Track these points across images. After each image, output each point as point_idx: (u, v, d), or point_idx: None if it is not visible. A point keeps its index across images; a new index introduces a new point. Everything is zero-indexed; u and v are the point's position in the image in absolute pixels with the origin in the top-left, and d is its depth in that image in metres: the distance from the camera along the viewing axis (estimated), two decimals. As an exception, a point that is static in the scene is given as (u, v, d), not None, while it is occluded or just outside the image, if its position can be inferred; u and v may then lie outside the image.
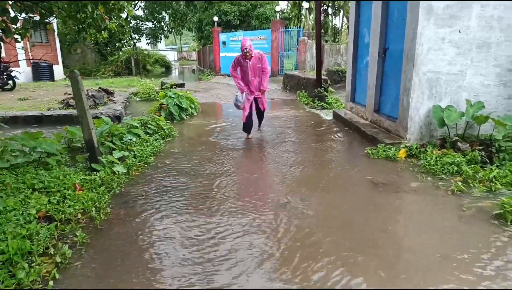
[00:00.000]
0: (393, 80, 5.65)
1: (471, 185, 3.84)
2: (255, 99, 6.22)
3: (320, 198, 3.72)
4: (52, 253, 2.55)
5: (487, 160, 4.32)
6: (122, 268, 2.50)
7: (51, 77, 17.25)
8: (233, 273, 2.43)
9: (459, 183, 3.83)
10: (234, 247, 2.75)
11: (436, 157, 4.46)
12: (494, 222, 3.08)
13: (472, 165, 4.19)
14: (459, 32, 4.75)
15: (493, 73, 4.93)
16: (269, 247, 2.75)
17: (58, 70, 19.24)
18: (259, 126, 6.80)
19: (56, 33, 18.32)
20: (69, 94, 10.75)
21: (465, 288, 1.88)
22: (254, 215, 3.31)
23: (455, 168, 4.21)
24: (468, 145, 4.67)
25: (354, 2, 7.22)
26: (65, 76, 19.82)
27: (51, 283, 2.27)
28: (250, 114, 6.10)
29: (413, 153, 4.85)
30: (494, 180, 3.83)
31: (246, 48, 5.71)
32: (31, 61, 16.21)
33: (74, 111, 8.01)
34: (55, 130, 6.37)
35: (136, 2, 21.02)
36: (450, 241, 2.82)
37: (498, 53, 4.85)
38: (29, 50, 14.30)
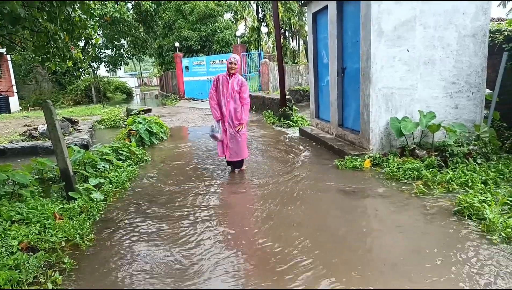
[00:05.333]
0: (353, 96, 6.11)
1: (431, 187, 4.24)
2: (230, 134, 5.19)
3: (298, 206, 3.94)
4: (43, 280, 2.55)
5: (443, 164, 4.79)
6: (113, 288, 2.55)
7: (7, 109, 16.54)
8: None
9: (421, 186, 4.22)
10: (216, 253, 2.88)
11: (397, 165, 4.87)
12: (453, 218, 3.44)
13: (430, 169, 4.62)
14: (408, 51, 5.30)
15: (440, 86, 5.50)
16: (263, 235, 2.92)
17: (14, 102, 18.47)
18: (237, 167, 5.52)
19: (10, 64, 17.71)
20: (30, 126, 10.41)
21: (465, 288, 2.06)
22: (240, 229, 3.47)
23: (416, 173, 4.61)
24: (425, 151, 5.14)
25: (311, 26, 7.76)
26: (21, 108, 19.04)
27: (46, 309, 2.28)
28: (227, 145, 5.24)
29: (377, 162, 5.24)
30: (450, 181, 4.26)
31: (234, 58, 5.06)
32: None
33: (38, 143, 7.79)
34: (21, 162, 6.18)
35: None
36: (417, 236, 3.13)
37: (442, 68, 5.44)
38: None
